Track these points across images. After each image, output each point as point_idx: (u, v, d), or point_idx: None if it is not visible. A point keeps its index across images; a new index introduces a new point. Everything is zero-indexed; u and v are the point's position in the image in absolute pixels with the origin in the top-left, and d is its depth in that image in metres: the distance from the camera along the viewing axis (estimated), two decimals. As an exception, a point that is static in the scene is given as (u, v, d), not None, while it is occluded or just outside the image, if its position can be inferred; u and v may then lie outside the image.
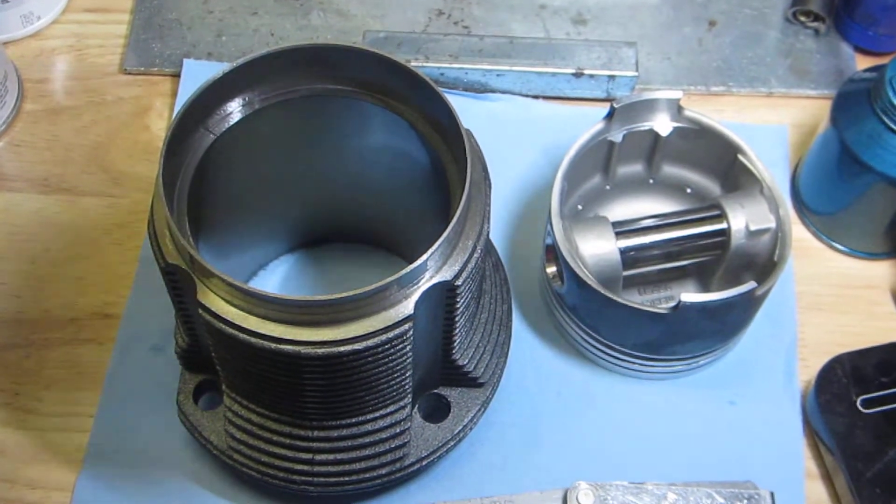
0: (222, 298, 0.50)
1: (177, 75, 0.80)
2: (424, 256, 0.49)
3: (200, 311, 0.50)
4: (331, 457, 0.58)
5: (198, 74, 0.79)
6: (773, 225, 0.64)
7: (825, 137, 0.70)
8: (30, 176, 0.76)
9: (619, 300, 0.61)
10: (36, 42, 0.83)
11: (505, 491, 0.62)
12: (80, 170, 0.76)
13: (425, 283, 0.51)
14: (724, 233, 0.65)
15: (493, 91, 0.79)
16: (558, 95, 0.79)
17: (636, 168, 0.71)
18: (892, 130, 0.65)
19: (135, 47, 0.81)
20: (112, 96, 0.80)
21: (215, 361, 0.56)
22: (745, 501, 0.61)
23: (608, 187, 0.71)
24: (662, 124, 0.67)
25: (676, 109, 0.67)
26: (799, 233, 0.73)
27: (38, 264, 0.72)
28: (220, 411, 0.60)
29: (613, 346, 0.65)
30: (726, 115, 0.79)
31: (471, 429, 0.61)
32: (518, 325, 0.69)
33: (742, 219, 0.65)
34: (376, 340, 0.50)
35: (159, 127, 0.78)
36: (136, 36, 0.82)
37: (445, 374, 0.60)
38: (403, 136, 0.58)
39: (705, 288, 0.69)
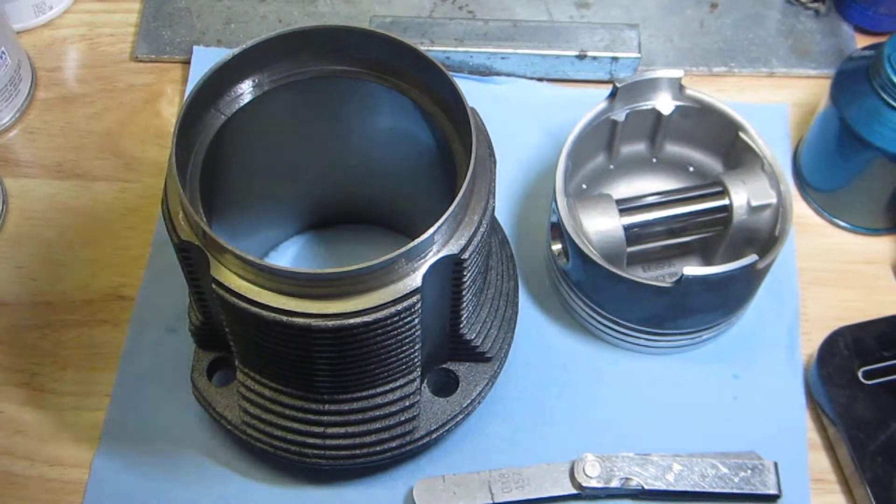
0: (235, 273, 0.51)
1: (187, 62, 0.81)
2: (431, 230, 0.50)
3: (214, 286, 0.51)
4: (342, 430, 0.59)
5: (207, 61, 0.78)
6: (774, 200, 0.65)
7: (825, 115, 0.70)
8: (44, 162, 0.77)
9: (623, 275, 0.61)
10: (48, 31, 0.84)
11: (513, 463, 0.63)
12: (93, 156, 0.77)
13: (433, 257, 0.51)
14: (727, 209, 0.66)
15: (497, 74, 0.80)
16: (562, 78, 0.80)
17: (639, 147, 0.71)
18: (890, 106, 0.65)
19: (145, 35, 0.83)
20: (123, 83, 0.81)
21: (228, 337, 0.57)
22: (749, 472, 0.62)
23: (612, 166, 0.72)
24: (664, 103, 0.68)
25: (678, 88, 0.67)
26: (800, 210, 0.74)
27: (54, 248, 0.73)
28: (233, 387, 0.60)
29: (618, 321, 0.66)
30: (728, 95, 0.79)
31: (479, 403, 0.62)
32: (524, 302, 0.69)
33: (744, 195, 0.65)
34: (385, 313, 0.51)
35: (170, 113, 0.79)
36: (147, 24, 0.83)
37: (453, 349, 0.61)
38: (410, 116, 0.59)
39: (708, 264, 0.70)
